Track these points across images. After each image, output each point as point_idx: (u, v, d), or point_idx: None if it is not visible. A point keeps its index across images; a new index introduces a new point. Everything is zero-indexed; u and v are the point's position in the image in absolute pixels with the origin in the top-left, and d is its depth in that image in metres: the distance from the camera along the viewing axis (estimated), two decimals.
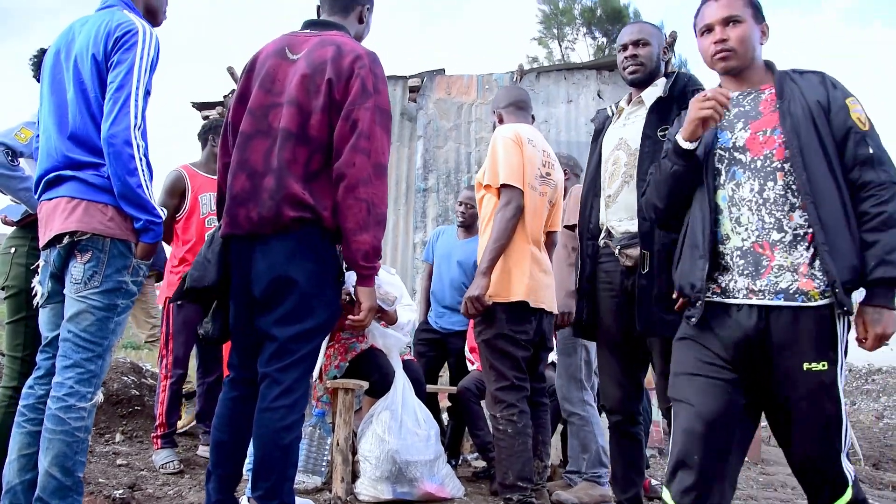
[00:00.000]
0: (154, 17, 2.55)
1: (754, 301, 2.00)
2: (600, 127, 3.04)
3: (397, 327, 4.12)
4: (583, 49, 17.83)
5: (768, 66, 2.23)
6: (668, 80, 2.77)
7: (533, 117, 3.32)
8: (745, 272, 2.04)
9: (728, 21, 2.15)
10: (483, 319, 2.93)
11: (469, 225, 4.65)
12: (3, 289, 2.82)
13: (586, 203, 2.97)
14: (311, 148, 2.22)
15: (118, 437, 4.70)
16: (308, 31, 2.41)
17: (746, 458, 5.89)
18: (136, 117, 2.23)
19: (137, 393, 5.25)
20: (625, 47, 2.85)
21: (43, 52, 3.23)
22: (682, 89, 2.73)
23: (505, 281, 2.90)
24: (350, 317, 2.31)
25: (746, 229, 2.06)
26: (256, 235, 2.25)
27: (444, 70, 7.14)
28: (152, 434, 4.20)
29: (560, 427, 4.33)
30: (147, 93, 2.35)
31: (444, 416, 4.96)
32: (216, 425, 2.44)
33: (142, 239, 2.31)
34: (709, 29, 2.18)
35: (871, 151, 1.99)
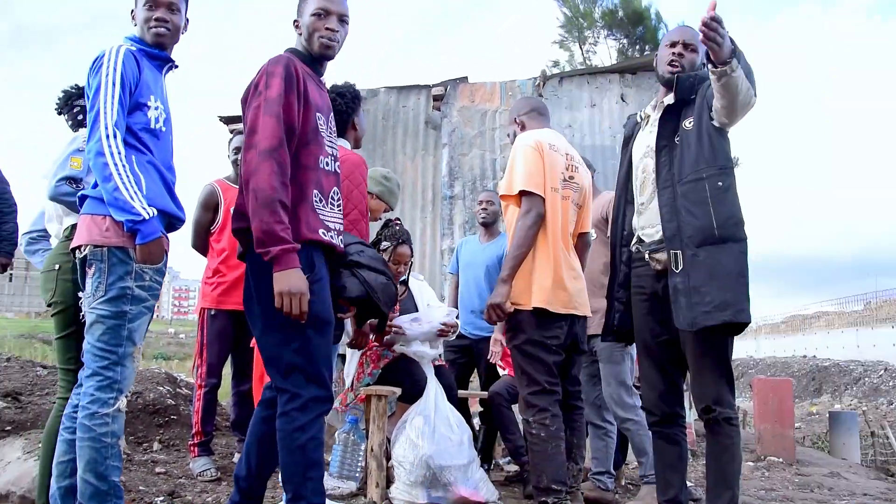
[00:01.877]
0: (157, 44, 2.61)
1: None
2: (630, 133, 3.07)
3: (433, 322, 4.14)
4: (604, 52, 17.79)
5: None
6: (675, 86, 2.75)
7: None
8: None
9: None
10: (513, 325, 2.96)
11: (491, 223, 4.73)
12: (50, 305, 2.91)
13: (618, 210, 3.02)
14: None
15: (156, 445, 4.79)
16: None
17: (780, 459, 5.88)
18: (106, 127, 2.32)
19: (173, 402, 5.34)
20: (674, 44, 2.82)
21: (78, 88, 3.32)
22: (690, 90, 2.74)
23: (529, 288, 2.93)
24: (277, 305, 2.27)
25: None
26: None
27: (467, 78, 7.18)
28: (189, 442, 4.27)
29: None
30: (142, 105, 2.47)
31: (476, 420, 4.98)
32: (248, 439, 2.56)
33: (136, 242, 2.35)
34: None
35: None
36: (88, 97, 2.43)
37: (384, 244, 4.36)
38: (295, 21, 2.58)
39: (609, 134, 6.89)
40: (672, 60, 2.79)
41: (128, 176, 2.33)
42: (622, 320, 2.97)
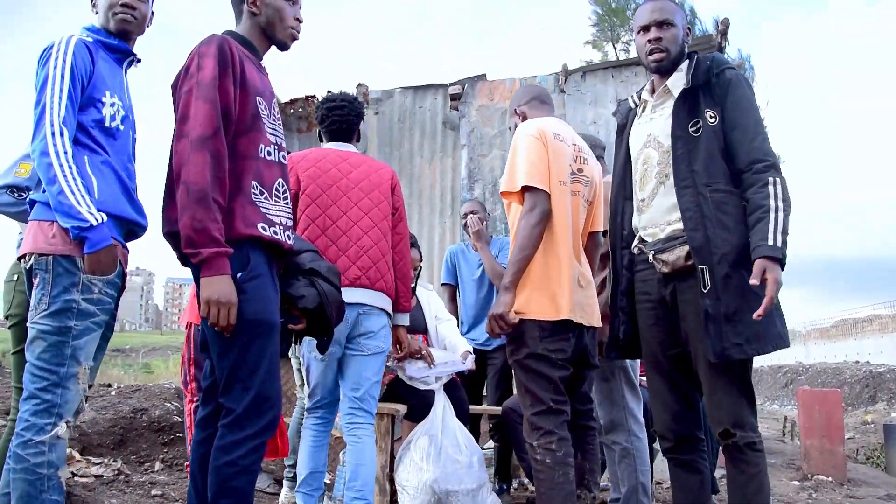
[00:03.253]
0: (119, 33, 2.44)
1: None
2: (624, 121, 2.77)
3: (451, 350, 3.92)
4: None
5: None
6: (689, 67, 2.48)
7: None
8: None
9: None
10: (514, 338, 2.64)
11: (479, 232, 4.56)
12: (7, 317, 2.72)
13: (616, 207, 2.72)
14: None
15: (157, 465, 4.58)
16: None
17: (830, 478, 5.41)
18: (52, 125, 2.13)
19: (180, 419, 5.13)
20: (645, 29, 2.57)
21: None
22: (706, 74, 2.45)
23: (535, 295, 2.59)
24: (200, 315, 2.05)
25: None
26: None
27: (485, 75, 6.86)
28: (186, 462, 4.06)
29: None
30: (96, 100, 2.27)
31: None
32: None
33: (83, 251, 2.14)
34: None
35: None
36: (35, 92, 2.21)
37: None
38: None
39: None
40: (652, 49, 2.54)
41: (74, 178, 2.12)
42: (627, 332, 2.65)
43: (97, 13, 2.44)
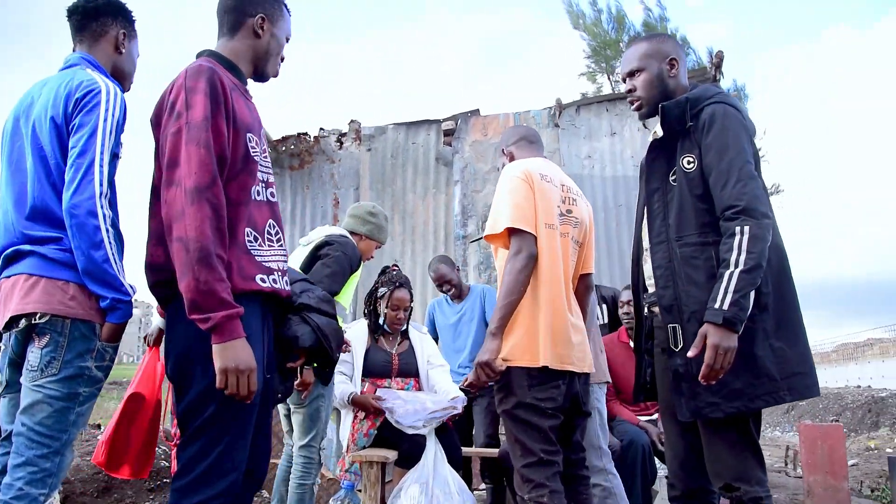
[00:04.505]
0: (122, 80, 2.39)
1: None
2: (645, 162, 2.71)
3: (441, 396, 3.86)
4: None
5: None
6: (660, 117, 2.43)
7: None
8: None
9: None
10: (501, 387, 2.56)
11: (458, 294, 4.81)
12: None
13: (639, 250, 2.64)
14: (159, 199, 1.87)
15: None
16: None
17: None
18: (101, 184, 2.03)
19: (168, 464, 5.02)
20: (624, 81, 2.58)
21: None
22: (681, 118, 2.37)
23: (523, 342, 2.52)
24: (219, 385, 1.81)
25: None
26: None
27: (478, 110, 6.86)
28: None
29: None
30: (115, 156, 2.16)
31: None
32: None
33: (108, 319, 2.07)
34: None
35: None
36: (70, 134, 2.10)
37: (381, 290, 4.04)
38: (261, 16, 2.08)
39: (632, 164, 6.45)
40: (630, 101, 2.59)
41: (114, 244, 2.06)
42: (652, 374, 2.59)
43: (115, 52, 2.36)
